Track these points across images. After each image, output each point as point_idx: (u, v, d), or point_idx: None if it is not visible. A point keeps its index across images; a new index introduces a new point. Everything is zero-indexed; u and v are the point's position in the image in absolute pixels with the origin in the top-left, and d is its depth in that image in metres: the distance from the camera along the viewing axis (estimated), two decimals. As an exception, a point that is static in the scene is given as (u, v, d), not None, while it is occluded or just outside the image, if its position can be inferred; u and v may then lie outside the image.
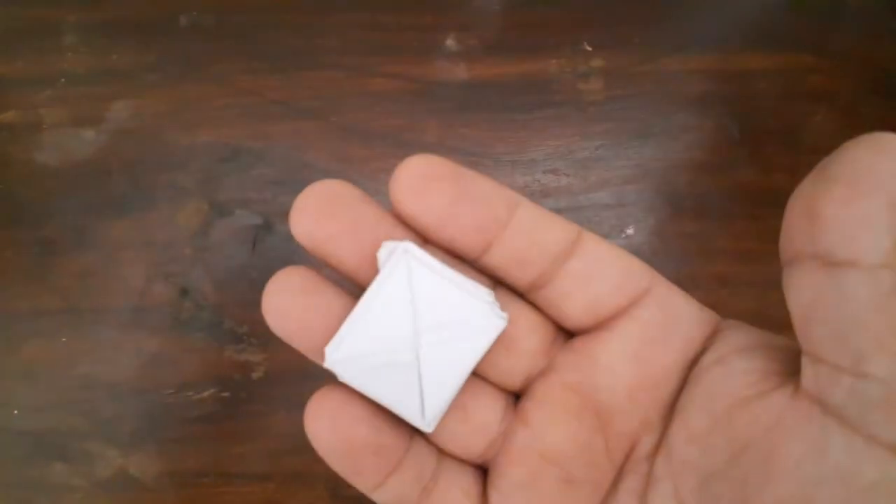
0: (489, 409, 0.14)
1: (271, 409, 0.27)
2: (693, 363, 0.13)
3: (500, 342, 0.14)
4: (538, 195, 0.29)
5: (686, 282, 0.29)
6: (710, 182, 0.29)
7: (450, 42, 0.30)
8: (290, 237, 0.28)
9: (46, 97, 0.29)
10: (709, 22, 0.31)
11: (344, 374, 0.13)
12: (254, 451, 0.27)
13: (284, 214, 0.28)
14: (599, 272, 0.14)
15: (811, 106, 0.30)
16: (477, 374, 0.14)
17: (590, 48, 0.30)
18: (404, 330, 0.13)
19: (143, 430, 0.27)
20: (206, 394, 0.27)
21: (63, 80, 0.29)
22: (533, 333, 0.14)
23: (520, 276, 0.13)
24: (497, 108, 0.29)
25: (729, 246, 0.29)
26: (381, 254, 0.14)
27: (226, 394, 0.27)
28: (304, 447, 0.28)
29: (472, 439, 0.14)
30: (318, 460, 0.28)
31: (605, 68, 0.30)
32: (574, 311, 0.14)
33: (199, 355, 0.27)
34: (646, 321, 0.14)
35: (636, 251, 0.29)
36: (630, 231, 0.29)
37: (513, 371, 0.14)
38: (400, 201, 0.13)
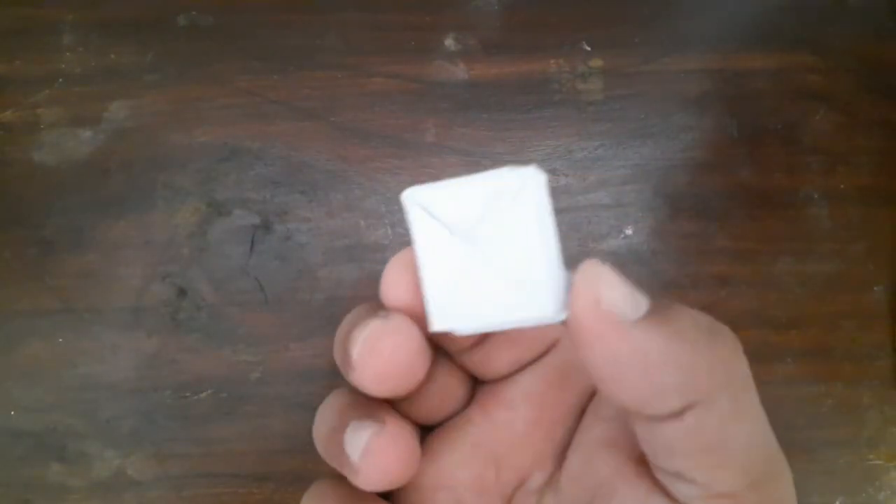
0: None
1: (269, 409, 0.27)
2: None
3: (438, 394, 0.15)
4: (537, 195, 0.29)
5: (685, 282, 0.29)
6: (709, 182, 0.29)
7: (449, 42, 0.30)
8: (288, 237, 0.28)
9: (44, 97, 0.29)
10: (708, 22, 0.31)
11: (458, 329, 0.13)
12: (252, 452, 0.27)
13: (283, 214, 0.28)
14: (520, 333, 0.15)
15: (810, 105, 0.30)
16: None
17: (589, 48, 0.30)
18: (465, 254, 0.13)
19: (141, 431, 0.27)
20: (203, 394, 0.27)
21: (61, 79, 0.29)
22: (461, 385, 0.16)
23: (458, 342, 0.15)
24: (496, 108, 0.29)
25: (728, 246, 0.29)
26: (404, 201, 0.14)
27: (223, 394, 0.27)
28: (302, 448, 0.28)
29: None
30: (316, 461, 0.28)
31: (605, 68, 0.30)
32: (498, 367, 0.15)
33: (196, 356, 0.27)
34: (551, 367, 0.15)
35: (635, 251, 0.29)
36: (629, 231, 0.29)
37: (439, 413, 0.16)
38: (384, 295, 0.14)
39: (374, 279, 0.28)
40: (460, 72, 0.30)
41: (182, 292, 0.28)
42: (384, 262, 0.27)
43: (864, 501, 0.28)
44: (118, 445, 0.27)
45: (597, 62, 0.30)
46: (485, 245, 0.13)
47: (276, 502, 0.27)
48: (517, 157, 0.29)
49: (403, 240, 0.28)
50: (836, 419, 0.28)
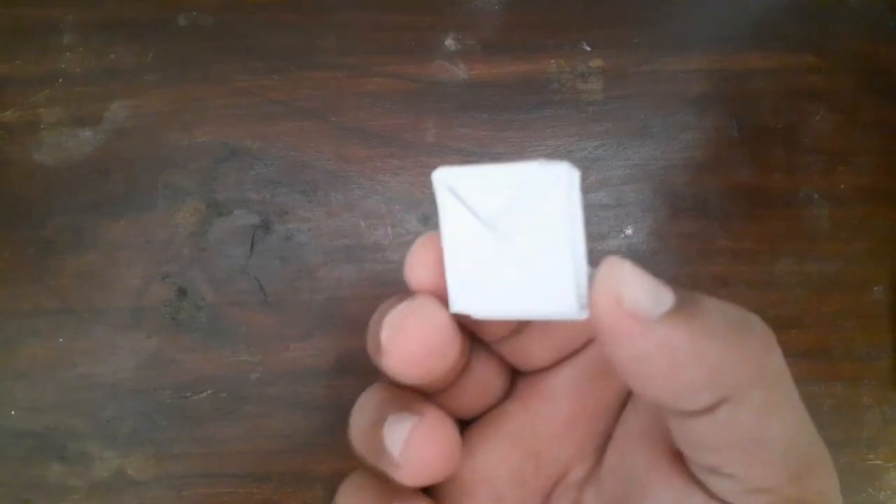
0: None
1: (269, 409, 0.27)
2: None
3: (476, 386, 0.14)
4: (537, 195, 0.29)
5: (685, 282, 0.29)
6: (709, 182, 0.29)
7: (449, 42, 0.30)
8: (288, 237, 0.28)
9: (44, 97, 0.29)
10: (708, 22, 0.31)
11: (476, 313, 0.13)
12: (252, 452, 0.27)
13: (283, 214, 0.28)
14: (558, 324, 0.14)
15: (811, 106, 0.30)
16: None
17: (589, 48, 0.30)
18: (490, 241, 0.13)
19: (141, 431, 0.27)
20: (203, 394, 0.27)
21: (61, 79, 0.29)
22: (499, 376, 0.15)
23: (493, 331, 0.14)
24: (496, 108, 0.29)
25: (728, 246, 0.29)
26: (434, 181, 0.13)
27: (224, 394, 0.27)
28: (302, 447, 0.28)
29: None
30: (316, 461, 0.29)
31: (605, 68, 0.30)
32: (537, 358, 0.15)
33: (197, 356, 0.27)
34: (592, 360, 0.15)
35: (635, 251, 0.29)
36: (629, 231, 0.29)
37: (478, 406, 0.15)
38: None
39: (375, 279, 0.28)
40: (460, 72, 0.30)
41: (182, 292, 0.28)
42: (384, 262, 0.28)
43: (864, 501, 0.28)
44: (118, 445, 0.27)
45: (597, 62, 0.30)
46: (511, 234, 0.13)
47: (276, 502, 0.27)
48: (517, 157, 0.29)
49: (403, 240, 0.28)
50: (836, 419, 0.29)
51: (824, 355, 0.29)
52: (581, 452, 0.15)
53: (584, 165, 0.29)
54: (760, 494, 0.11)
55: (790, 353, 0.31)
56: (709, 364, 0.10)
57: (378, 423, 0.13)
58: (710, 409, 0.11)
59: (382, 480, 0.13)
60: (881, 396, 0.29)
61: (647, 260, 0.29)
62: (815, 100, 0.30)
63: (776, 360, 0.12)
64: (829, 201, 0.30)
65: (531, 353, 0.15)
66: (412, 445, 0.12)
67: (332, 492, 0.27)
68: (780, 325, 0.29)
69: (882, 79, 0.31)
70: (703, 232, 0.29)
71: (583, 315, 0.12)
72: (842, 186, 0.30)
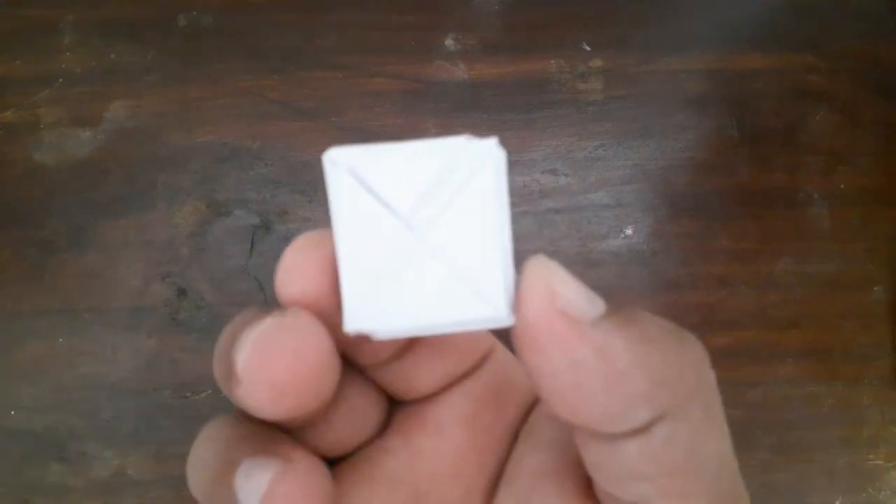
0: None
1: (269, 409, 0.27)
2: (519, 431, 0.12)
3: (349, 419, 0.12)
4: (537, 195, 0.29)
5: (685, 282, 0.29)
6: (709, 182, 0.29)
7: (449, 42, 0.30)
8: (288, 237, 0.28)
9: (44, 97, 0.29)
10: (708, 22, 0.31)
11: (379, 331, 0.10)
12: (252, 452, 0.27)
13: (283, 214, 0.28)
14: (447, 341, 0.12)
15: (811, 106, 0.30)
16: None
17: (589, 48, 0.30)
18: (401, 237, 0.10)
19: (141, 431, 0.27)
20: (203, 394, 0.27)
21: (61, 79, 0.29)
22: (376, 406, 0.13)
23: (374, 353, 0.12)
24: (496, 108, 0.29)
25: (728, 246, 0.29)
26: (325, 164, 0.10)
27: (223, 394, 0.27)
28: (302, 448, 0.28)
29: None
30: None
31: (605, 68, 0.30)
32: (422, 384, 0.12)
33: (197, 356, 0.27)
34: (481, 385, 0.13)
35: (635, 252, 0.29)
36: (629, 231, 0.29)
37: (350, 442, 0.13)
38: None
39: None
40: (460, 72, 0.30)
41: (182, 292, 0.28)
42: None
43: (864, 501, 0.28)
44: (118, 445, 0.27)
45: (597, 62, 0.30)
46: (426, 228, 0.10)
47: (276, 502, 0.27)
48: (517, 157, 0.29)
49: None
50: (836, 419, 0.28)
51: (824, 355, 0.29)
52: (470, 494, 0.13)
53: (584, 165, 0.29)
54: None
55: (790, 354, 0.31)
56: (650, 373, 0.09)
57: (227, 470, 0.10)
58: (646, 427, 0.09)
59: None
60: (881, 396, 0.29)
61: (647, 260, 0.29)
62: (815, 100, 0.30)
63: (712, 376, 0.10)
64: (829, 201, 0.30)
65: (416, 378, 0.12)
66: (274, 501, 0.10)
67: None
68: (781, 325, 0.29)
69: (882, 79, 0.31)
70: (703, 232, 0.29)
71: (511, 320, 0.10)
72: (842, 186, 0.30)
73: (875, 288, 0.29)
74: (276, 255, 0.28)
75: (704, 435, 0.10)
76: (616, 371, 0.09)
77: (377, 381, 0.13)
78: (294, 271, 0.10)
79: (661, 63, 0.30)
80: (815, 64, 0.31)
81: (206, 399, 0.27)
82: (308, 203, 0.28)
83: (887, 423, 0.29)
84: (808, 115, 0.30)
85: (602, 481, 0.10)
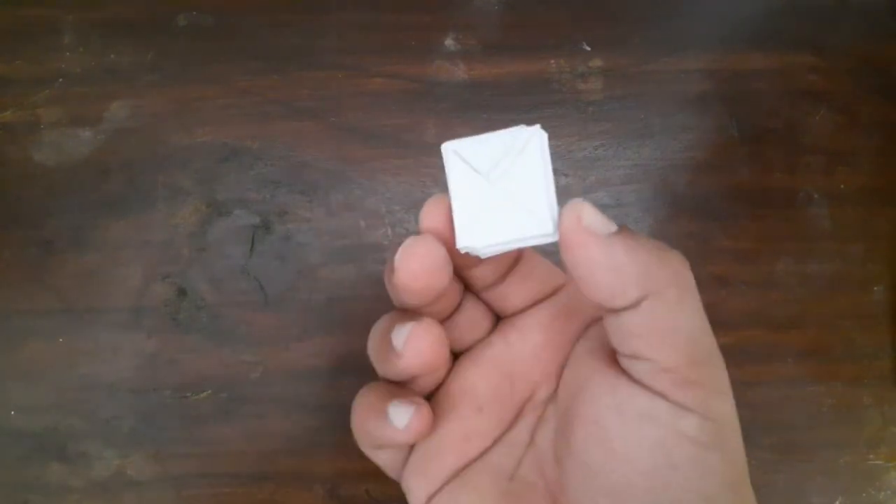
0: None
1: (269, 409, 0.27)
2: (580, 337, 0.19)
3: (466, 323, 0.19)
4: (537, 195, 0.29)
5: (685, 282, 0.29)
6: (709, 182, 0.29)
7: (449, 42, 0.30)
8: (287, 237, 0.28)
9: (44, 97, 0.29)
10: (708, 22, 0.31)
11: (477, 246, 0.17)
12: (251, 452, 0.27)
13: (283, 214, 0.28)
14: (536, 273, 0.19)
15: (811, 105, 0.30)
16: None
17: (589, 48, 0.30)
18: (486, 188, 0.17)
19: (140, 431, 0.27)
20: (203, 394, 0.27)
21: (61, 79, 0.29)
22: (484, 318, 0.19)
23: (482, 279, 0.18)
24: (496, 108, 0.29)
25: (728, 246, 0.29)
26: (443, 151, 0.18)
27: (223, 394, 0.27)
28: (301, 448, 0.28)
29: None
30: (316, 461, 0.29)
31: (605, 68, 0.30)
32: (515, 302, 0.19)
33: (196, 356, 0.27)
34: (557, 305, 0.19)
35: (635, 251, 0.29)
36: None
37: (468, 339, 0.19)
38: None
39: (374, 279, 0.28)
40: (460, 72, 0.30)
41: (182, 292, 0.28)
42: (384, 261, 0.28)
43: (864, 501, 0.28)
44: (118, 445, 0.27)
45: (597, 62, 0.30)
46: (501, 182, 0.17)
47: (276, 502, 0.27)
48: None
49: (403, 240, 0.28)
50: (836, 419, 0.28)
51: (824, 355, 0.29)
52: (546, 376, 0.19)
53: (584, 166, 0.29)
54: (667, 374, 0.15)
55: (790, 353, 0.31)
56: (638, 266, 0.15)
57: (387, 331, 0.17)
58: (636, 303, 0.15)
59: (390, 385, 0.18)
60: (881, 396, 0.29)
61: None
62: (815, 100, 0.30)
63: (689, 275, 0.15)
64: (829, 201, 0.30)
65: (510, 298, 0.19)
66: (411, 338, 0.16)
67: (331, 492, 0.27)
68: (781, 325, 0.29)
69: (882, 79, 0.31)
70: (703, 232, 0.29)
71: (556, 236, 0.16)
72: (842, 186, 0.30)
73: (875, 288, 0.29)
74: (276, 255, 0.28)
75: (677, 311, 0.15)
76: (615, 264, 0.15)
77: (486, 301, 0.19)
78: (428, 214, 0.17)
79: (662, 63, 0.30)
80: (816, 64, 0.31)
81: (206, 399, 0.27)
82: (308, 203, 0.28)
83: (887, 423, 0.29)
84: (808, 114, 0.30)
85: (616, 343, 0.16)
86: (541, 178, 0.17)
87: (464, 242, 0.17)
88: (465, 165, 0.18)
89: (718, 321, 0.29)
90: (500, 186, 0.17)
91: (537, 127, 0.17)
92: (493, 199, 0.18)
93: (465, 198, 0.18)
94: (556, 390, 0.18)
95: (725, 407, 0.16)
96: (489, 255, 0.17)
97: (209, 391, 0.27)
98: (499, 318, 0.20)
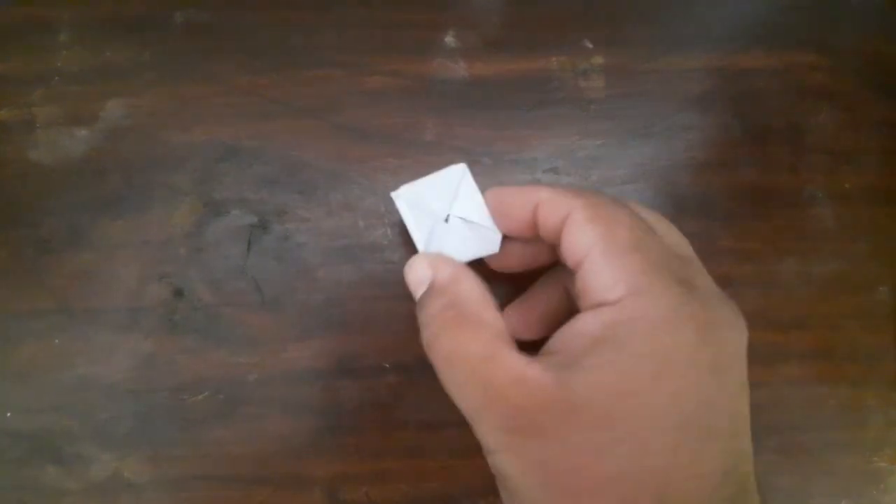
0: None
1: (267, 411, 0.27)
2: None
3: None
4: (538, 194, 0.29)
5: (688, 282, 0.28)
6: (711, 181, 0.29)
7: (449, 39, 0.30)
8: (286, 237, 0.28)
9: (40, 95, 0.28)
10: (711, 20, 0.31)
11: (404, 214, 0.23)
12: (249, 454, 0.27)
13: (281, 214, 0.28)
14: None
15: (814, 104, 0.30)
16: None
17: (591, 46, 0.30)
18: (439, 223, 0.23)
19: (137, 433, 0.27)
20: (200, 396, 0.27)
21: (57, 78, 0.29)
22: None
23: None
24: (497, 106, 0.29)
25: (731, 245, 0.29)
26: (394, 199, 0.23)
27: (221, 396, 0.27)
28: (300, 450, 0.28)
29: None
30: (314, 463, 0.28)
31: (606, 66, 0.30)
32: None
33: (193, 357, 0.27)
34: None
35: (637, 251, 0.28)
36: (631, 231, 0.29)
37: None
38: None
39: (373, 279, 0.28)
40: (460, 70, 0.29)
41: (179, 293, 0.27)
42: (383, 262, 0.28)
43: (868, 503, 0.28)
44: (114, 447, 0.27)
45: (598, 60, 0.30)
46: (450, 214, 0.23)
47: (274, 505, 0.27)
48: (518, 156, 0.29)
49: (402, 239, 0.28)
50: (840, 421, 0.28)
51: (828, 356, 0.29)
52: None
53: (585, 164, 0.29)
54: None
55: (794, 354, 0.31)
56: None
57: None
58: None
59: None
60: (886, 398, 0.28)
61: (649, 260, 0.28)
62: (818, 99, 0.30)
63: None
64: (833, 201, 0.29)
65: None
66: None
67: (330, 494, 0.27)
68: (784, 325, 0.29)
69: (886, 77, 0.31)
70: (706, 232, 0.29)
71: (498, 249, 0.23)
72: (846, 186, 0.30)
73: (880, 288, 0.29)
74: (274, 256, 0.28)
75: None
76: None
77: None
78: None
79: (664, 61, 0.30)
80: (819, 62, 0.30)
81: (203, 401, 0.27)
82: (306, 203, 0.28)
83: (892, 424, 0.28)
84: (811, 113, 0.30)
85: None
86: (478, 205, 0.22)
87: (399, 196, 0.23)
88: (417, 210, 0.22)
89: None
90: (450, 219, 0.22)
91: (463, 165, 0.23)
92: (445, 231, 0.22)
93: (424, 234, 0.22)
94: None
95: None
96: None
97: (206, 392, 0.27)
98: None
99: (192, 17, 0.29)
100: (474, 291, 0.19)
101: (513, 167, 0.29)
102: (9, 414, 0.27)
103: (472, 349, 0.18)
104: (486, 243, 0.22)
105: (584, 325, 0.17)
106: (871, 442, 0.28)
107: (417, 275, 0.20)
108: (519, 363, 0.17)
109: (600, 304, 0.17)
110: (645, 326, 0.16)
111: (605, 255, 0.17)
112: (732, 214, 0.29)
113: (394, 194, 0.22)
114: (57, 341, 0.27)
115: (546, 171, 0.29)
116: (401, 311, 0.27)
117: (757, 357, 0.29)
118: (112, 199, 0.28)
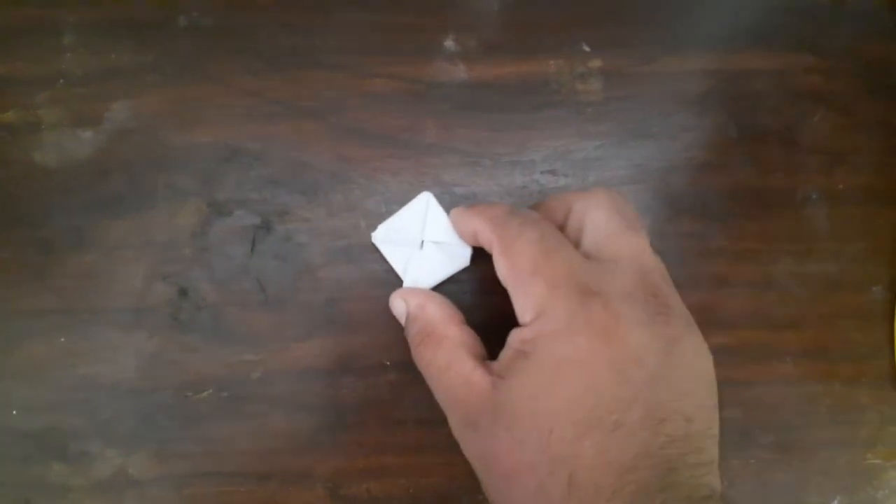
0: None
1: (270, 409, 0.27)
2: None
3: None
4: (537, 195, 0.29)
5: (685, 282, 0.29)
6: (708, 182, 0.30)
7: (449, 43, 0.30)
8: (288, 237, 0.28)
9: (45, 97, 0.29)
10: (707, 22, 0.31)
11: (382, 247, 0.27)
12: (253, 452, 0.27)
13: (283, 214, 0.28)
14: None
15: (810, 106, 0.30)
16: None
17: (588, 49, 0.30)
18: (415, 252, 0.27)
19: (142, 431, 0.27)
20: (204, 394, 0.27)
21: (62, 80, 0.29)
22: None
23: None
24: (496, 109, 0.29)
25: (728, 246, 0.29)
26: (374, 241, 0.27)
27: (224, 394, 0.27)
28: (303, 447, 0.28)
29: None
30: (317, 460, 0.29)
31: (604, 69, 0.30)
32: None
33: (197, 355, 0.27)
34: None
35: (635, 251, 0.29)
36: (629, 231, 0.29)
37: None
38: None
39: (374, 279, 0.28)
40: (460, 72, 0.30)
41: (183, 292, 0.28)
42: (384, 262, 0.28)
43: (862, 501, 0.28)
44: (119, 445, 0.27)
45: (596, 63, 0.30)
46: (424, 241, 0.26)
47: (277, 502, 0.27)
48: (517, 158, 0.29)
49: (403, 240, 0.28)
50: (835, 419, 0.29)
51: (823, 355, 0.29)
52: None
53: (583, 166, 0.29)
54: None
55: (789, 353, 0.31)
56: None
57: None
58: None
59: None
60: (879, 396, 0.29)
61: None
62: (814, 100, 0.30)
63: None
64: (828, 201, 0.30)
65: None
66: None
67: (332, 491, 0.27)
68: (779, 325, 0.29)
69: (881, 79, 0.31)
70: (702, 232, 0.29)
71: (468, 263, 0.26)
72: (841, 186, 0.30)
73: (874, 288, 0.29)
74: (276, 256, 0.28)
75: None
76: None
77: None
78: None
79: (661, 63, 0.30)
80: (815, 64, 0.31)
81: (206, 399, 0.27)
82: (308, 203, 0.28)
83: (885, 422, 0.29)
84: (807, 115, 0.30)
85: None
86: (447, 227, 0.26)
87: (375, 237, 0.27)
88: (393, 245, 0.27)
89: (717, 321, 0.29)
90: (424, 245, 0.26)
91: (428, 194, 0.27)
92: (421, 257, 0.26)
93: (404, 265, 0.27)
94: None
95: None
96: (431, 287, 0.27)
97: (210, 391, 0.27)
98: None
99: (195, 20, 0.30)
100: (437, 314, 0.23)
101: (512, 168, 0.29)
102: (14, 412, 0.27)
103: (437, 361, 0.22)
104: (457, 260, 0.26)
105: (511, 340, 0.21)
106: (865, 440, 0.29)
107: (396, 309, 0.25)
108: (468, 369, 0.21)
109: (522, 328, 0.21)
110: (545, 341, 0.20)
111: (515, 287, 0.21)
112: (728, 215, 0.29)
113: (373, 236, 0.27)
114: (62, 340, 0.27)
115: (544, 172, 0.29)
116: (401, 311, 0.28)
117: (752, 356, 0.29)
118: (116, 200, 0.28)
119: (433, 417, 0.27)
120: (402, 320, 0.25)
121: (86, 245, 0.28)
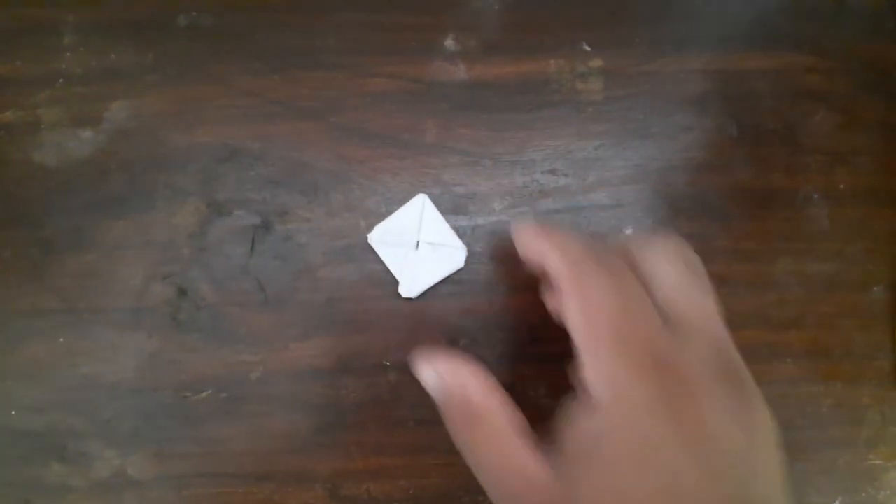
0: None
1: (269, 409, 0.27)
2: None
3: None
4: (536, 195, 0.29)
5: (685, 282, 0.29)
6: (708, 182, 0.29)
7: (449, 42, 0.30)
8: (288, 237, 0.28)
9: (45, 97, 0.29)
10: (708, 22, 0.31)
11: (414, 294, 0.27)
12: (252, 452, 0.27)
13: (283, 214, 0.28)
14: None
15: (810, 106, 0.30)
16: None
17: (588, 48, 0.30)
18: (411, 253, 0.27)
19: (141, 431, 0.27)
20: (204, 394, 0.27)
21: (61, 80, 0.29)
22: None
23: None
24: (496, 109, 0.29)
25: (727, 246, 0.29)
26: (370, 240, 0.27)
27: (224, 394, 0.27)
28: (302, 447, 0.28)
29: None
30: (316, 460, 0.29)
31: (604, 68, 0.30)
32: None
33: (197, 356, 0.27)
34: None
35: (635, 251, 0.29)
36: (629, 231, 0.29)
37: None
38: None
39: (374, 279, 0.28)
40: (460, 72, 0.30)
41: (182, 292, 0.28)
42: (384, 261, 0.28)
43: (863, 501, 0.28)
44: (118, 445, 0.27)
45: (596, 62, 0.30)
46: (420, 241, 0.27)
47: (277, 502, 0.27)
48: (517, 158, 0.29)
49: (403, 240, 0.28)
50: (836, 419, 0.29)
51: (824, 355, 0.29)
52: None
53: (583, 165, 0.29)
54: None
55: (790, 353, 0.31)
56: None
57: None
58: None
59: None
60: (881, 396, 0.29)
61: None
62: (814, 100, 0.30)
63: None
64: (828, 201, 0.30)
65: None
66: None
67: (332, 491, 0.27)
68: (780, 325, 0.29)
69: (882, 79, 0.31)
70: (702, 232, 0.29)
71: (463, 265, 0.27)
72: (841, 186, 0.30)
73: (874, 288, 0.29)
74: (276, 255, 0.28)
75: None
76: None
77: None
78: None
79: (661, 63, 0.30)
80: (815, 64, 0.31)
81: (206, 399, 0.27)
82: (308, 203, 0.28)
83: (887, 422, 0.29)
84: (807, 115, 0.30)
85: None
86: (442, 228, 0.27)
87: (406, 295, 0.27)
88: (390, 246, 0.27)
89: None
90: (420, 245, 0.27)
91: (423, 195, 0.27)
92: (417, 258, 0.27)
93: (400, 266, 0.27)
94: None
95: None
96: (422, 291, 0.27)
97: (209, 391, 0.27)
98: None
99: (195, 20, 0.30)
100: (479, 389, 0.21)
101: (512, 168, 0.29)
102: (13, 412, 0.27)
103: (486, 447, 0.20)
104: (452, 261, 0.27)
105: (579, 426, 0.19)
106: (867, 440, 0.29)
107: (427, 380, 0.22)
108: (523, 457, 0.19)
109: (592, 406, 0.19)
110: (623, 432, 0.18)
111: (586, 344, 0.19)
112: (729, 215, 0.29)
113: (369, 237, 0.27)
114: (61, 340, 0.27)
115: (544, 171, 0.29)
116: (401, 311, 0.28)
117: (752, 356, 0.29)
118: (116, 200, 0.28)
119: (433, 418, 0.27)
120: (433, 392, 0.22)
121: (86, 245, 0.28)
